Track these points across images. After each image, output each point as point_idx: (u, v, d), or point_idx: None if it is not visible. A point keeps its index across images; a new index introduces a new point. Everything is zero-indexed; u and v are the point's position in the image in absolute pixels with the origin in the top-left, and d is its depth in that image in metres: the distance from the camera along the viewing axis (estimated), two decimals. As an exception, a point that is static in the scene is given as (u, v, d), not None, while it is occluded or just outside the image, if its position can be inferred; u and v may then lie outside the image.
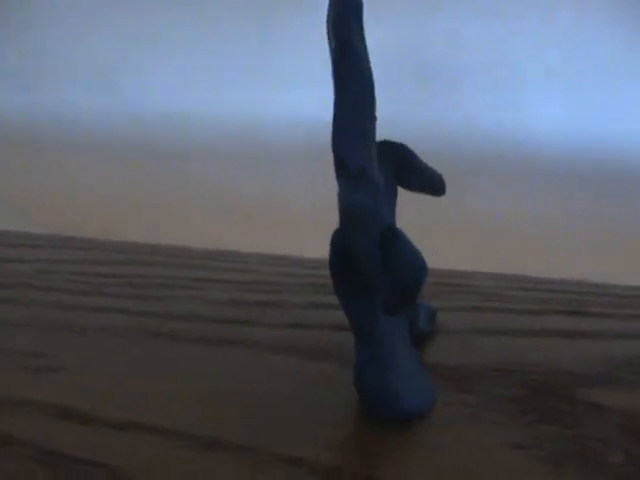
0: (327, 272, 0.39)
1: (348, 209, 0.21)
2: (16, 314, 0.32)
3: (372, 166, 0.23)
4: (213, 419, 0.23)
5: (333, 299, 0.35)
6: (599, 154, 1.21)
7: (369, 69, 0.22)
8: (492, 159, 1.12)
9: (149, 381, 0.26)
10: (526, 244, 0.90)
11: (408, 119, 1.21)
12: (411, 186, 0.28)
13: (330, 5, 0.23)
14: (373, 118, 0.23)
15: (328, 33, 0.24)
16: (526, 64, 1.11)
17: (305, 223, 0.75)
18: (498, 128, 1.17)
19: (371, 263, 0.20)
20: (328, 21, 0.24)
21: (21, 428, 0.22)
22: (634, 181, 1.18)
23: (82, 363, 0.27)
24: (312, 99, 0.93)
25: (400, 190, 0.28)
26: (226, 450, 0.21)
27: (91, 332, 0.30)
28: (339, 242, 0.23)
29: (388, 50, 1.16)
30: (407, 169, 0.27)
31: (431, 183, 0.28)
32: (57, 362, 0.27)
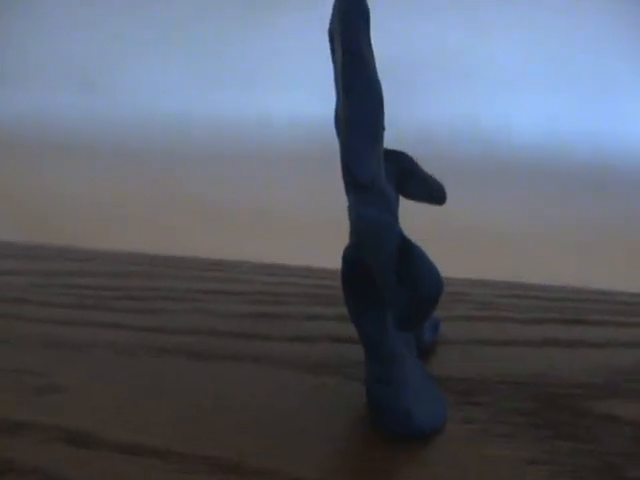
0: (326, 282, 0.39)
1: (363, 225, 0.21)
2: (10, 331, 0.31)
3: (381, 176, 0.22)
4: (219, 440, 0.23)
5: (333, 310, 0.34)
6: (591, 157, 1.21)
7: (378, 79, 0.22)
8: (482, 163, 1.13)
9: (154, 400, 0.25)
10: (516, 249, 0.90)
11: (389, 121, 1.20)
12: (413, 195, 0.27)
13: (336, 11, 0.22)
14: (383, 128, 0.22)
15: (331, 39, 0.23)
16: (507, 67, 1.12)
17: (300, 229, 0.74)
18: (488, 131, 1.17)
19: (386, 278, 0.20)
20: (332, 27, 0.23)
21: (21, 453, 0.22)
22: (623, 183, 1.19)
23: (83, 382, 0.27)
24: (301, 102, 0.93)
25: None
26: (231, 472, 0.21)
27: (91, 349, 0.30)
28: (352, 257, 0.22)
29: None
30: (409, 178, 0.27)
31: (432, 192, 0.28)
32: (57, 381, 0.27)
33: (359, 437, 0.23)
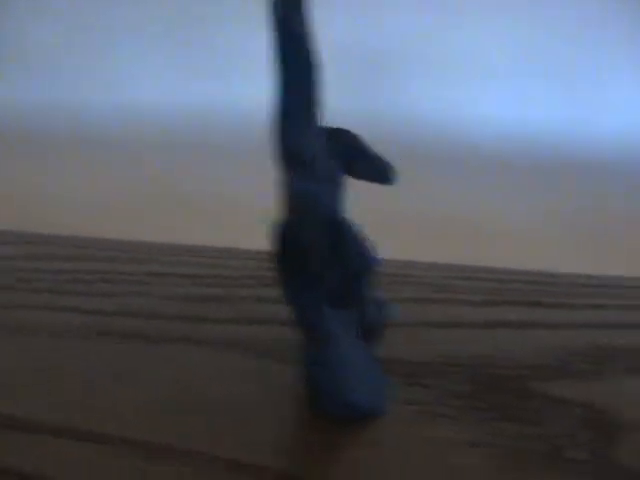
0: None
1: (298, 198, 0.20)
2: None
3: (320, 153, 0.21)
4: (154, 424, 0.22)
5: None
6: (546, 144, 1.22)
7: (312, 51, 0.21)
8: (455, 151, 1.12)
9: (106, 385, 0.24)
10: (472, 234, 0.90)
11: (356, 110, 1.20)
12: (359, 175, 0.26)
13: None
14: (318, 102, 0.21)
15: (271, 16, 0.22)
16: (471, 58, 1.12)
17: (248, 214, 0.73)
18: (443, 118, 1.17)
19: (319, 254, 0.19)
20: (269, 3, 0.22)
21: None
22: (576, 170, 1.19)
23: (22, 366, 0.25)
24: (256, 91, 0.92)
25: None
26: (168, 456, 0.20)
27: (32, 332, 0.28)
28: (284, 233, 0.21)
29: (337, 43, 1.15)
30: (355, 157, 0.25)
31: (380, 172, 0.27)
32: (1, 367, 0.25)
33: (300, 420, 0.22)
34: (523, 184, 1.19)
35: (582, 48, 1.12)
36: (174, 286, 0.34)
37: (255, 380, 0.25)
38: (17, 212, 0.73)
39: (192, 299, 0.32)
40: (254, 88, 0.92)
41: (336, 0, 1.01)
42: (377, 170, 0.26)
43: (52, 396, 0.23)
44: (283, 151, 0.21)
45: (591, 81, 1.14)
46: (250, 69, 0.94)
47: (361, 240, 0.19)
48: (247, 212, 0.77)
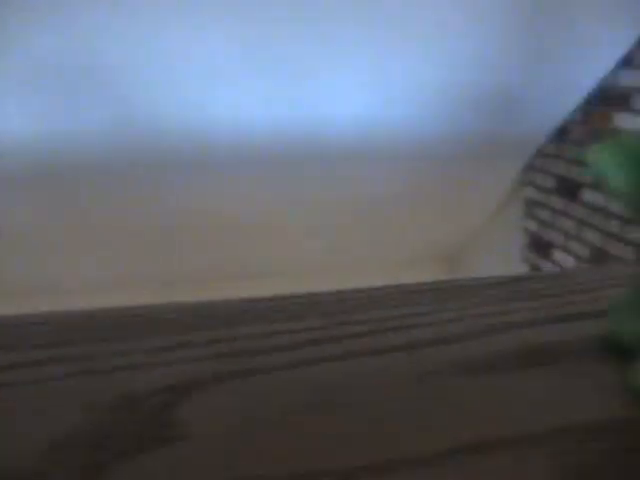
0: None
1: None
2: None
3: None
4: None
5: None
6: (284, 137, 1.26)
7: None
8: (165, 149, 1.10)
9: None
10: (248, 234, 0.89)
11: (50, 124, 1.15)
12: None
13: None
14: None
15: None
16: (201, 59, 1.11)
17: None
18: (175, 119, 1.17)
19: None
20: None
21: None
22: (320, 162, 1.24)
23: None
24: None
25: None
26: None
27: None
28: None
29: (47, 56, 1.09)
30: None
31: None
32: None
33: None
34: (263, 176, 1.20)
35: (305, 45, 1.16)
36: None
37: None
38: None
39: None
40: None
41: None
42: None
43: None
44: None
45: (314, 76, 1.19)
46: None
47: None
48: None
